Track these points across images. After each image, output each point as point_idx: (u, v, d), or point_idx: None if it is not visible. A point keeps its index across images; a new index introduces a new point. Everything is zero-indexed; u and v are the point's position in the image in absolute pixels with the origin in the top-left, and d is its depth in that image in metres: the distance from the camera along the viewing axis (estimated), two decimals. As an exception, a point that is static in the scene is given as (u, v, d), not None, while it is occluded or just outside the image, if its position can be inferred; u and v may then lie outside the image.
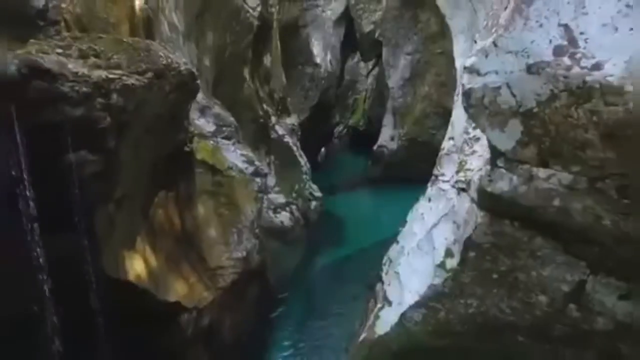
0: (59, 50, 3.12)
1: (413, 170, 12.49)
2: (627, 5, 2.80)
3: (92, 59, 3.22)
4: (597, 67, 2.97)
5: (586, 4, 2.95)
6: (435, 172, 6.80)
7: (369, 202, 16.46)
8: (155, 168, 5.02)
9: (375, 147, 18.96)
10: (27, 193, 2.75)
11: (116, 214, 4.07)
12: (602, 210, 3.13)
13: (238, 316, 6.89)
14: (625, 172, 2.95)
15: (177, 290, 5.44)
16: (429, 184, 6.85)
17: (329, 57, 20.42)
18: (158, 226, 5.49)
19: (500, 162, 3.60)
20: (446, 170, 6.38)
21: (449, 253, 4.70)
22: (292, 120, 15.45)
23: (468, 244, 4.21)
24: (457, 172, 5.31)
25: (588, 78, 2.96)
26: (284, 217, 11.70)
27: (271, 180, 11.94)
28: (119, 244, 4.33)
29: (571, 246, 3.85)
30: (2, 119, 2.53)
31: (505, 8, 3.29)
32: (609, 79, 2.92)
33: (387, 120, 19.13)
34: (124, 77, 3.31)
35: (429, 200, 6.49)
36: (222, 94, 10.36)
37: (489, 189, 3.70)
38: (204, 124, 7.32)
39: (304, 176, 13.51)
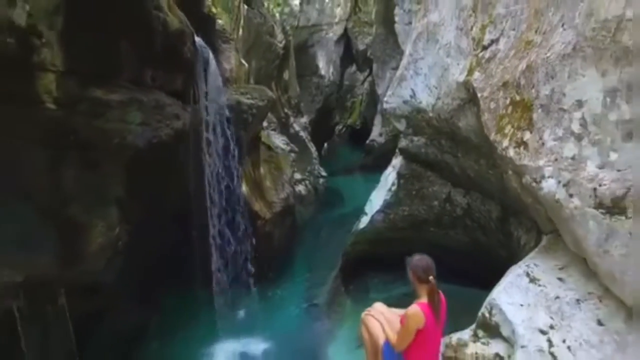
0: (234, 92, 7.97)
1: (395, 157, 16.94)
2: (427, 85, 7.66)
3: (247, 95, 8.08)
4: (420, 102, 7.56)
5: (417, 82, 7.73)
6: (397, 150, 11.61)
7: (361, 181, 19.37)
8: (247, 143, 9.90)
9: (367, 142, 22.04)
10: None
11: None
12: (437, 152, 7.92)
13: (281, 233, 11.67)
14: (438, 137, 7.77)
15: (256, 206, 10.30)
16: (393, 157, 11.67)
17: (331, 69, 23.74)
18: (245, 174, 10.35)
19: (402, 135, 8.46)
20: (401, 147, 11.18)
21: (393, 183, 9.52)
22: (304, 119, 19.60)
23: (399, 176, 9.09)
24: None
25: (419, 105, 7.63)
26: (301, 188, 16.07)
27: (291, 163, 16.59)
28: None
29: (442, 174, 8.70)
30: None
31: (396, 80, 8.21)
32: (425, 107, 7.52)
33: (377, 120, 22.26)
34: (258, 102, 8.17)
35: (393, 167, 11.27)
36: (258, 101, 15.20)
37: (400, 146, 8.62)
38: (261, 121, 12.13)
39: (314, 160, 17.63)
